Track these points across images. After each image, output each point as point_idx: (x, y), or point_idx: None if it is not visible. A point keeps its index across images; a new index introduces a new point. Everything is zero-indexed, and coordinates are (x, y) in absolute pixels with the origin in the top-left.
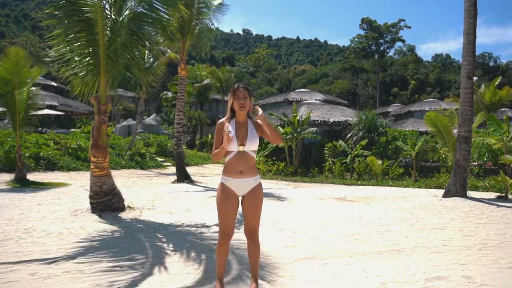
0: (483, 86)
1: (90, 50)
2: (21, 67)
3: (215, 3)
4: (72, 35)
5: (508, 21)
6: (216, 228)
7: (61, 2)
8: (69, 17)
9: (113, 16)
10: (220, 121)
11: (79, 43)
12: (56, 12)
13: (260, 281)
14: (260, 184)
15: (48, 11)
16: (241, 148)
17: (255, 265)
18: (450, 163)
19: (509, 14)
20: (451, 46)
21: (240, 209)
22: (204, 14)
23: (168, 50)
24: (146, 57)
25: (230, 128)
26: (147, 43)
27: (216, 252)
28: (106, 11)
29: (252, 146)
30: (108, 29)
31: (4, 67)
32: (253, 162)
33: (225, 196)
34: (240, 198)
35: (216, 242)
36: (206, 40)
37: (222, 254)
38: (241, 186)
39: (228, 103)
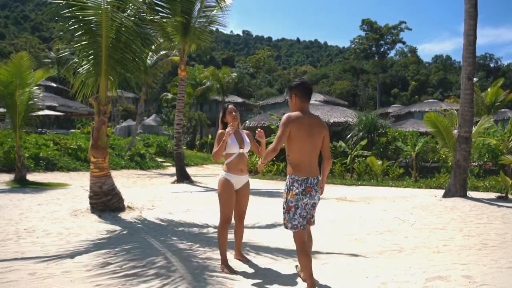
0: (488, 89)
1: (92, 52)
2: (24, 69)
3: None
4: (76, 38)
5: (501, 22)
6: (215, 229)
7: (62, 4)
8: (73, 20)
9: (116, 18)
10: (220, 131)
11: (81, 45)
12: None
13: (259, 281)
14: (248, 180)
15: (50, 11)
16: (241, 151)
17: (241, 239)
18: (450, 163)
19: (503, 15)
20: (447, 46)
21: None
22: (205, 16)
23: (173, 52)
24: (147, 59)
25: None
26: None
27: (219, 238)
28: (110, 13)
29: (247, 149)
30: (112, 31)
31: (7, 70)
32: (246, 162)
33: (229, 189)
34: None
35: (216, 242)
36: (206, 42)
37: (225, 238)
38: (240, 181)
39: (220, 120)
